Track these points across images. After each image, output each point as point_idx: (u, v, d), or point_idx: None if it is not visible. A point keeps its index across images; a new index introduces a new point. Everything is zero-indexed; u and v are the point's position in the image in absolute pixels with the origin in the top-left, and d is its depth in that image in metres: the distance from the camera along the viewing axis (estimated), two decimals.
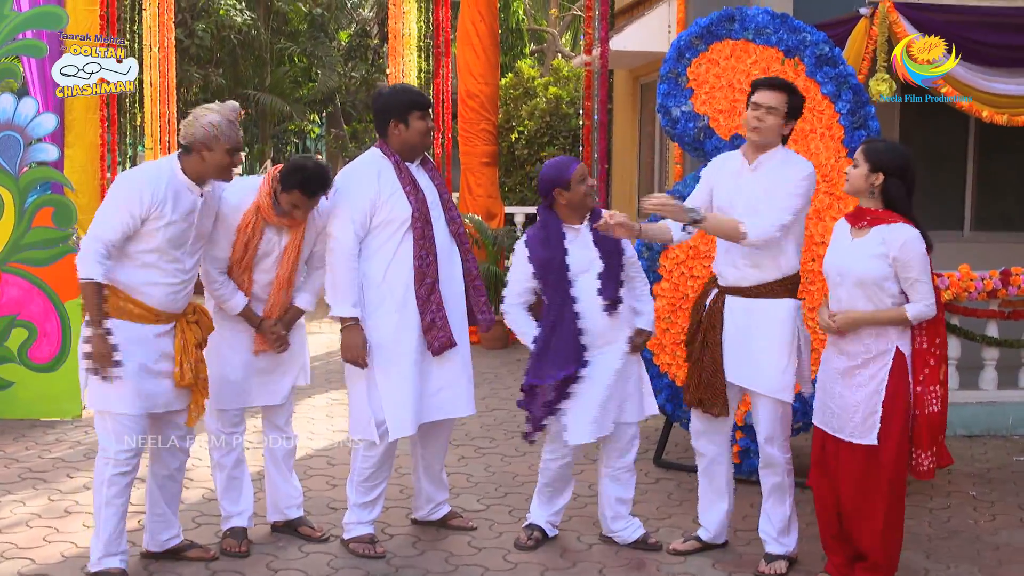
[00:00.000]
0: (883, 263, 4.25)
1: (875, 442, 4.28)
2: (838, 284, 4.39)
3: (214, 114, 4.38)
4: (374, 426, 4.75)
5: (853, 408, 4.32)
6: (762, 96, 4.60)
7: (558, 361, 4.69)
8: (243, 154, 4.77)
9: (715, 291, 4.77)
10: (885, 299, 4.28)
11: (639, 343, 4.92)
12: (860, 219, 4.36)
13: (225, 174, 4.49)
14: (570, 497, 5.11)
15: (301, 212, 4.67)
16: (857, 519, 4.37)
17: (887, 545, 4.36)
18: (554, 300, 4.74)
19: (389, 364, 4.74)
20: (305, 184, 4.57)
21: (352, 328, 4.68)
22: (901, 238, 4.22)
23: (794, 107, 4.65)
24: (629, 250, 4.93)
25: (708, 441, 4.88)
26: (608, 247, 4.80)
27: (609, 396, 4.77)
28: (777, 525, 4.74)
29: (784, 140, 4.72)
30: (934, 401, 4.29)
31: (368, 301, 4.75)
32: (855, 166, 4.37)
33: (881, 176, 4.30)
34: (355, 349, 4.68)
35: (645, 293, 5.01)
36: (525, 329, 4.86)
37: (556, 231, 4.78)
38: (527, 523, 5.05)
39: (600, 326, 4.76)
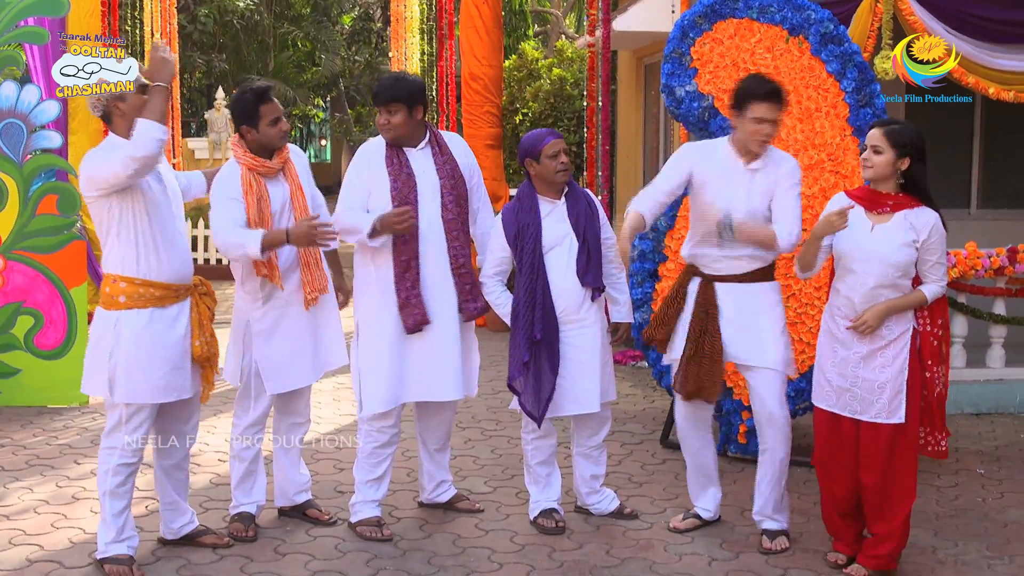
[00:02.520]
0: (911, 249, 4.28)
1: (903, 420, 4.30)
2: (863, 270, 4.33)
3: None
4: (360, 401, 4.88)
5: (879, 389, 4.32)
6: (768, 111, 4.53)
7: (529, 335, 4.77)
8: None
9: (699, 280, 4.76)
10: (906, 283, 4.32)
11: (622, 338, 5.01)
12: (880, 205, 4.34)
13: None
14: (560, 475, 5.13)
15: (278, 128, 4.74)
16: (881, 498, 4.37)
17: (905, 521, 4.39)
18: (526, 269, 4.81)
19: (368, 343, 4.84)
20: (259, 97, 4.70)
21: (376, 230, 4.66)
22: (929, 222, 4.27)
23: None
24: (607, 231, 4.96)
25: (693, 428, 4.92)
26: (583, 225, 4.83)
27: (583, 374, 4.85)
28: (776, 503, 4.79)
29: None
30: (940, 381, 4.36)
31: (358, 281, 4.89)
32: (878, 152, 4.31)
33: (908, 161, 4.30)
34: (390, 227, 4.65)
35: (621, 280, 5.03)
36: (500, 300, 4.95)
37: (531, 201, 4.87)
38: (540, 511, 5.02)
39: (572, 303, 4.82)
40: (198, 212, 15.83)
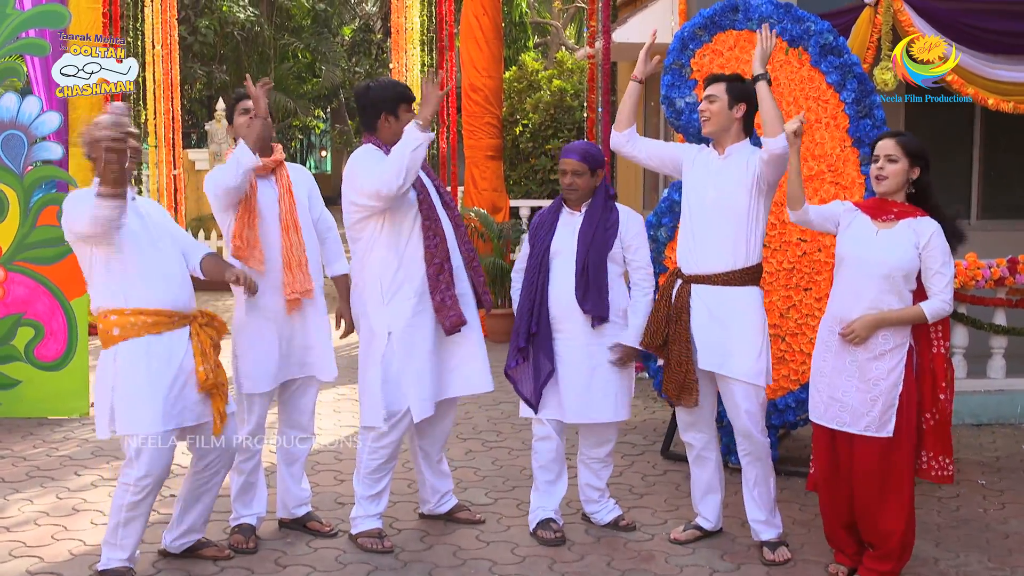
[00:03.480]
0: (915, 254, 4.29)
1: (891, 435, 4.28)
2: (865, 273, 4.33)
3: (93, 122, 4.23)
4: (384, 414, 4.77)
5: (871, 402, 4.30)
6: (705, 91, 4.78)
7: (527, 326, 4.89)
8: None
9: (679, 282, 4.79)
10: (907, 292, 4.31)
11: (622, 359, 4.91)
12: (885, 213, 4.37)
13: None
14: (566, 486, 5.12)
15: (249, 117, 4.79)
16: (873, 512, 4.36)
17: (905, 534, 4.37)
18: (532, 263, 4.95)
19: (408, 349, 4.78)
20: (236, 99, 4.84)
21: (422, 123, 4.61)
22: (929, 229, 4.29)
23: (736, 90, 4.72)
24: (635, 253, 4.93)
25: (696, 431, 4.93)
26: (587, 244, 4.84)
27: (563, 382, 4.87)
28: (767, 510, 4.80)
29: (748, 129, 4.78)
30: (949, 403, 4.37)
31: (386, 289, 4.79)
32: (893, 161, 4.34)
33: (919, 170, 4.36)
34: (431, 102, 4.62)
35: (641, 305, 4.93)
36: (516, 296, 5.08)
37: (557, 204, 5.04)
38: (540, 520, 5.02)
39: (561, 312, 4.87)
40: (198, 223, 15.86)
